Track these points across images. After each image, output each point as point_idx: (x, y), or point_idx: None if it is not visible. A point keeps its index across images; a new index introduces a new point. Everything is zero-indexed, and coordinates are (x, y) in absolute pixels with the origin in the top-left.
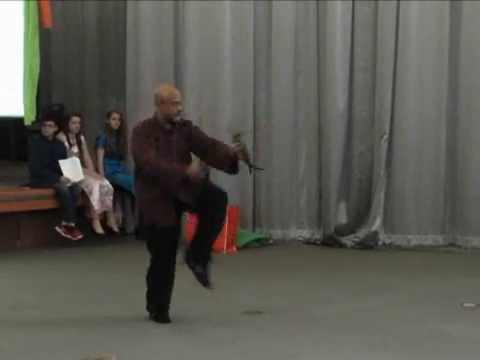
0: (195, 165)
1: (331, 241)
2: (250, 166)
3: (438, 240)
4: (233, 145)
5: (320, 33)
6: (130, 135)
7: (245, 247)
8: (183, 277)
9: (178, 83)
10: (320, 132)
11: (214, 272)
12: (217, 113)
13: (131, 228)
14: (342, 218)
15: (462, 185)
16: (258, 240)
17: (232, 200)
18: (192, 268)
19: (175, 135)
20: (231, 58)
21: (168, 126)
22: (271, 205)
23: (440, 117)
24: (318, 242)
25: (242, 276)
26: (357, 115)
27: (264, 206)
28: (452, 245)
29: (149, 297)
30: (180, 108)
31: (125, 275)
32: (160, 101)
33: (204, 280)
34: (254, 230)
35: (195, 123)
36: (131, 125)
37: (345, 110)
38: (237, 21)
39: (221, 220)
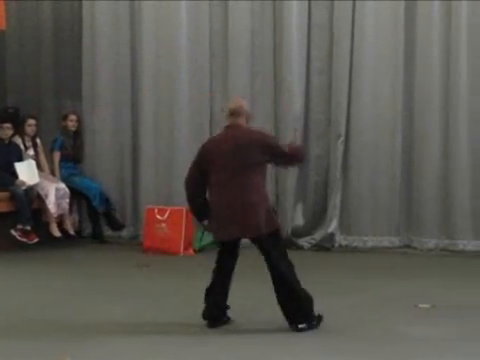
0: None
1: (288, 243)
2: None
3: (394, 241)
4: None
5: (276, 34)
6: (264, 139)
7: (202, 249)
8: (128, 281)
9: (134, 84)
10: (277, 134)
11: (171, 274)
12: (173, 114)
13: (87, 231)
14: (299, 220)
15: (418, 187)
16: (216, 242)
17: None
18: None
19: None
20: (187, 60)
21: None
22: None
23: (396, 118)
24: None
25: (199, 278)
26: (313, 117)
27: None
28: (408, 246)
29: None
30: None
31: (81, 278)
32: (248, 114)
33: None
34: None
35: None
36: (88, 126)
37: (301, 112)
38: (193, 22)
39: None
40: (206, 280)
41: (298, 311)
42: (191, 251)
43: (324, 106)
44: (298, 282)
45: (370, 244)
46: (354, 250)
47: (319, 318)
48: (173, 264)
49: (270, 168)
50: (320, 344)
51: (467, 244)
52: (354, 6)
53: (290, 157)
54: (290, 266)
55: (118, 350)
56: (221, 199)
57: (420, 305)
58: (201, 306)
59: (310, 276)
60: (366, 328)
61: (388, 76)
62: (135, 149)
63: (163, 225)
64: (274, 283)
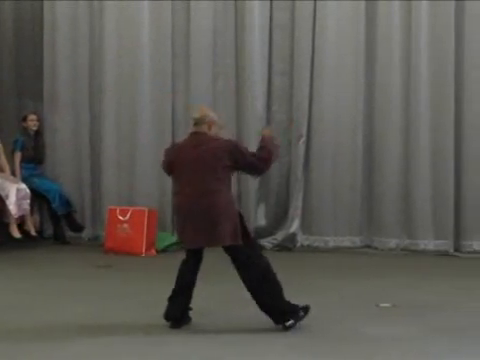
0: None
1: None
2: None
3: (355, 241)
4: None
5: (238, 35)
6: (227, 146)
7: (164, 250)
8: (90, 282)
9: (95, 84)
10: (239, 134)
11: (133, 275)
12: (135, 114)
13: (49, 232)
14: (261, 220)
15: (378, 187)
16: (177, 243)
17: (151, 203)
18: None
19: None
20: (149, 59)
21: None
22: None
23: (357, 118)
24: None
25: (161, 280)
26: (275, 117)
27: None
28: (368, 246)
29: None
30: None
31: (42, 279)
32: (212, 123)
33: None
34: (173, 233)
35: None
36: (49, 127)
37: (263, 113)
38: (155, 21)
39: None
40: (167, 281)
41: (281, 309)
42: (153, 252)
43: (285, 106)
44: (275, 282)
45: (331, 244)
46: (315, 250)
47: (306, 309)
48: (135, 265)
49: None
50: (283, 344)
51: (428, 244)
52: (315, 6)
53: (256, 165)
54: (261, 268)
55: (80, 351)
56: (184, 206)
57: (381, 304)
58: (163, 306)
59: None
60: (328, 328)
61: (349, 76)
62: (96, 149)
63: (125, 226)
64: (247, 288)
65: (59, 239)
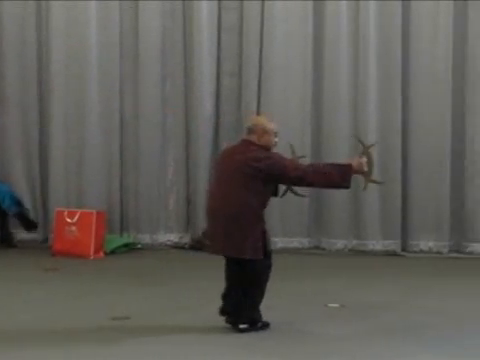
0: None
1: (199, 245)
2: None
3: (303, 243)
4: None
5: (187, 36)
6: (266, 160)
7: (113, 252)
8: (37, 285)
9: (43, 85)
10: (188, 136)
11: (81, 278)
12: (83, 115)
13: None
14: None
15: (327, 191)
16: (126, 245)
17: (99, 204)
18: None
19: None
20: (97, 60)
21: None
22: (139, 210)
23: (305, 119)
24: (186, 246)
25: (110, 282)
26: (224, 119)
27: (132, 211)
28: (317, 248)
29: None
30: (277, 139)
31: None
32: (263, 132)
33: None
34: (122, 235)
35: None
36: None
37: (212, 114)
38: (103, 22)
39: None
40: (116, 283)
41: (249, 316)
42: (101, 254)
43: (234, 108)
44: (261, 291)
45: (280, 245)
46: None
47: (266, 324)
48: (83, 267)
49: (182, 167)
50: (233, 344)
51: (376, 244)
52: (263, 7)
53: (300, 181)
54: (259, 276)
55: (27, 355)
56: (210, 210)
57: (330, 305)
58: (112, 308)
59: (220, 278)
60: (277, 328)
61: (297, 77)
62: (44, 151)
63: (73, 228)
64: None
65: (6, 242)
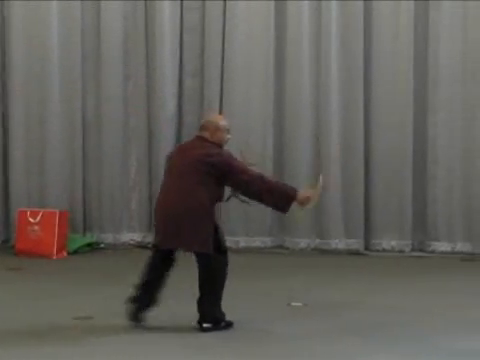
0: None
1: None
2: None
3: (266, 242)
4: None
5: (149, 36)
6: (218, 157)
7: (76, 252)
8: None
9: (3, 85)
10: (150, 136)
11: (44, 277)
12: (44, 116)
13: None
14: None
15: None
16: (89, 244)
17: (61, 204)
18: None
19: None
20: (58, 60)
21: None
22: (101, 209)
23: (267, 120)
24: (149, 246)
25: (72, 282)
26: (187, 119)
27: (95, 210)
28: (280, 247)
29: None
30: (230, 136)
31: None
32: (216, 129)
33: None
34: (84, 234)
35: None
36: None
37: (175, 114)
38: (64, 22)
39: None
40: (79, 282)
41: (212, 314)
42: (64, 254)
43: (196, 108)
44: (220, 288)
45: (242, 245)
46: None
47: (229, 323)
48: (46, 267)
49: (145, 166)
50: (194, 345)
51: (339, 243)
52: (225, 7)
53: (246, 186)
54: (217, 273)
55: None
56: (160, 205)
57: (293, 304)
58: (75, 308)
59: (180, 277)
60: (238, 328)
61: (259, 77)
62: (5, 150)
63: (36, 228)
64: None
65: None
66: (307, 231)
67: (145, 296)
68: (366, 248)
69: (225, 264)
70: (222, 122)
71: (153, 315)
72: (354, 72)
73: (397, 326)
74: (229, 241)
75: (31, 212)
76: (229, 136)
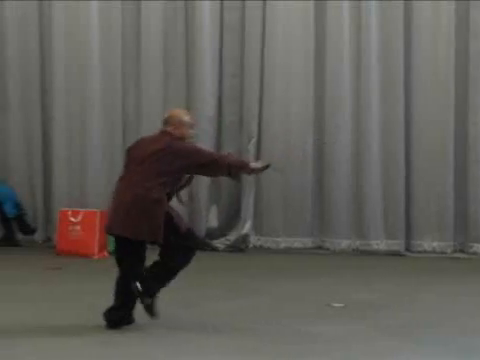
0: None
1: (203, 244)
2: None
3: (306, 243)
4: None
5: (189, 37)
6: (184, 149)
7: None
8: (39, 284)
9: (45, 85)
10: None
11: (84, 277)
12: (85, 115)
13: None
14: (213, 222)
15: (329, 188)
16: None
17: (103, 204)
18: (142, 300)
19: None
20: (99, 61)
21: None
22: None
23: (307, 121)
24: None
25: (112, 281)
26: (226, 119)
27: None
28: (320, 248)
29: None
30: (193, 132)
31: None
32: (179, 123)
33: (151, 311)
34: None
35: None
36: None
37: (214, 114)
38: (105, 21)
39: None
40: None
41: (152, 289)
42: (105, 253)
43: (236, 108)
44: (171, 274)
45: (282, 245)
46: (268, 251)
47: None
48: (87, 267)
49: None
50: (229, 343)
51: (380, 244)
52: (264, 7)
53: (215, 161)
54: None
55: (27, 353)
56: (117, 193)
57: (333, 304)
58: None
59: (223, 277)
60: (278, 328)
61: (299, 77)
62: (46, 151)
63: (77, 227)
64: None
65: (10, 242)
66: (348, 232)
67: (122, 296)
68: (407, 249)
69: (187, 248)
70: (186, 117)
71: (191, 315)
72: (394, 72)
73: (437, 327)
74: (270, 242)
75: (72, 212)
76: (192, 131)
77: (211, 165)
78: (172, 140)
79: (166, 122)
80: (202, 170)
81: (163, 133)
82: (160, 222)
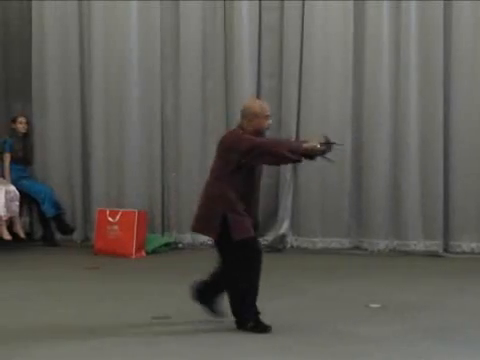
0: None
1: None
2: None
3: (343, 243)
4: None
5: (227, 37)
6: (232, 141)
7: (154, 252)
8: (79, 284)
9: (84, 86)
10: None
11: (122, 276)
12: (124, 115)
13: (39, 234)
14: None
15: (367, 188)
16: (167, 244)
17: (141, 204)
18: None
19: None
20: (138, 61)
21: None
22: (180, 209)
23: (345, 120)
24: None
25: (151, 281)
26: None
27: (173, 210)
28: (357, 248)
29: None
30: (270, 122)
31: (31, 281)
32: (253, 115)
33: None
34: (163, 234)
35: None
36: (38, 129)
37: None
38: (144, 21)
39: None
40: (156, 282)
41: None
42: (143, 253)
43: (275, 109)
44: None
45: (319, 245)
46: (305, 251)
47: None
48: (124, 266)
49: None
50: (269, 344)
51: (417, 244)
52: (303, 7)
53: (247, 150)
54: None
55: (68, 353)
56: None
57: (371, 305)
58: (151, 307)
59: (262, 277)
60: (316, 328)
61: (338, 77)
62: (85, 151)
63: (115, 227)
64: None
65: (48, 241)
66: (385, 232)
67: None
68: (445, 250)
69: (234, 261)
70: (259, 108)
71: (231, 316)
72: (433, 70)
73: (475, 328)
74: (306, 242)
75: (110, 212)
76: (269, 122)
77: (256, 151)
78: (230, 133)
79: (241, 115)
80: (254, 159)
81: (238, 128)
82: (216, 217)
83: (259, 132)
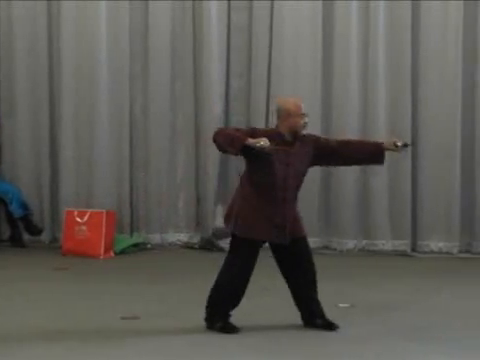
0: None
1: (209, 245)
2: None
3: (313, 243)
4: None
5: (196, 37)
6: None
7: (122, 252)
8: (47, 285)
9: (53, 86)
10: (197, 136)
11: (90, 277)
12: (93, 115)
13: (6, 234)
14: (220, 222)
15: (335, 188)
16: (136, 245)
17: (109, 204)
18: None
19: (297, 148)
20: (107, 61)
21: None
22: (149, 209)
23: (314, 121)
24: (196, 246)
25: (119, 282)
26: (234, 119)
27: (142, 210)
28: (326, 248)
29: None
30: (307, 120)
31: None
32: (286, 114)
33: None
34: (132, 235)
35: None
36: (6, 129)
37: (222, 114)
38: (113, 22)
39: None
40: (125, 283)
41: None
42: (111, 254)
43: (243, 109)
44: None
45: None
46: None
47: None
48: (93, 267)
49: (192, 167)
50: (241, 345)
51: (386, 244)
52: (272, 7)
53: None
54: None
55: (35, 354)
56: None
57: (340, 305)
58: (120, 308)
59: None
60: (284, 329)
61: (306, 78)
62: (54, 151)
63: (83, 228)
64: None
65: (16, 242)
66: (354, 232)
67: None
68: (413, 249)
69: (232, 265)
70: (293, 106)
71: (194, 315)
72: (402, 71)
73: (444, 328)
74: None
75: (78, 212)
76: (305, 120)
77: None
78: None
79: (276, 115)
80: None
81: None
82: (235, 211)
83: (294, 131)
